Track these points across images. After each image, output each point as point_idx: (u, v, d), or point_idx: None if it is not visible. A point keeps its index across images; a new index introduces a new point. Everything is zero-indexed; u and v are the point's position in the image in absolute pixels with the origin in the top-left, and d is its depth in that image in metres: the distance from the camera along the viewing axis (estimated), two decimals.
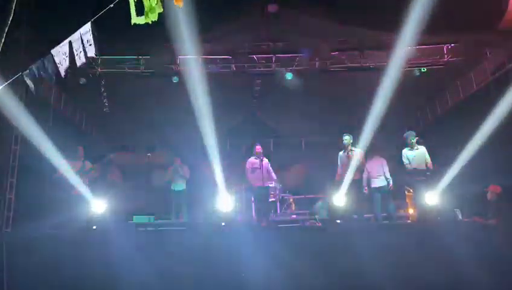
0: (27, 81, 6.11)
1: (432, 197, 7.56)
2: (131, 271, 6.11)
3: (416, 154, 8.22)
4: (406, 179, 8.53)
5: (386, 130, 13.36)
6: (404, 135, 8.62)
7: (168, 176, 10.32)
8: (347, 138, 8.77)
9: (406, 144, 8.47)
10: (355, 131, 12.95)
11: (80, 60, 5.87)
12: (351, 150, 8.56)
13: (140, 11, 3.56)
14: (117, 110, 10.46)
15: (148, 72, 8.12)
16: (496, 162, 7.86)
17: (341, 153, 8.81)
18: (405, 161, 8.33)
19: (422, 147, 8.18)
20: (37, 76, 5.76)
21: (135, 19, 3.67)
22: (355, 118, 12.28)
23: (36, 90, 7.06)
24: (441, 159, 8.17)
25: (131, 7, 3.59)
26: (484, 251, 5.89)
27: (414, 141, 8.32)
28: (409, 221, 8.72)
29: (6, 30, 4.83)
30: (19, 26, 6.16)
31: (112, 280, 6.08)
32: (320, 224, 8.52)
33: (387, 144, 13.54)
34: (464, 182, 8.26)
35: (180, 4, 3.52)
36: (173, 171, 10.18)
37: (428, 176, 7.86)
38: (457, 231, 6.50)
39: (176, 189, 10.05)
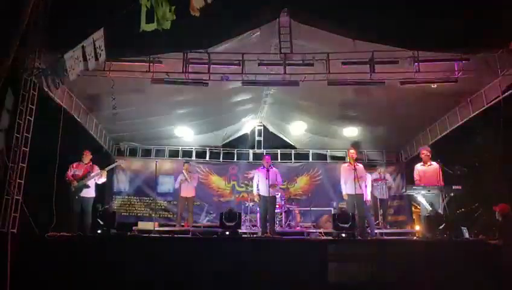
0: (39, 84, 6.22)
1: (439, 214, 7.48)
2: (132, 278, 6.11)
3: (428, 170, 8.19)
4: (413, 195, 8.46)
5: (393, 146, 13.39)
6: (420, 148, 8.64)
7: (177, 183, 10.35)
8: (352, 152, 8.82)
9: (420, 159, 8.49)
10: (362, 145, 13.04)
11: (92, 64, 5.98)
12: (357, 164, 8.57)
13: (151, 18, 3.61)
14: (127, 115, 10.55)
15: (158, 79, 8.17)
16: (506, 180, 7.78)
17: (345, 165, 8.86)
18: (416, 176, 8.33)
19: (436, 163, 8.13)
20: (48, 79, 5.86)
21: (144, 26, 3.72)
22: (363, 132, 12.34)
23: (47, 92, 7.19)
24: (448, 176, 8.10)
25: (142, 14, 3.64)
26: (487, 270, 5.84)
27: (426, 156, 8.31)
28: (415, 238, 8.63)
29: (21, 33, 4.91)
30: (33, 29, 6.26)
31: (113, 286, 6.08)
32: (324, 237, 8.47)
33: (396, 159, 13.57)
34: (472, 199, 8.20)
35: (197, 13, 3.56)
36: (182, 177, 10.21)
37: (435, 193, 7.81)
38: (463, 249, 6.43)
39: (184, 196, 10.06)
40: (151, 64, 7.96)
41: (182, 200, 10.17)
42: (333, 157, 13.90)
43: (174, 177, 12.36)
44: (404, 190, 8.14)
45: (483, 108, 8.62)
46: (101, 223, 7.57)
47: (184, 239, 7.81)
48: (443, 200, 7.62)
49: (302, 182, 13.46)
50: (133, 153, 13.52)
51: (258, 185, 9.02)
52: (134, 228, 9.83)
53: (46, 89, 6.28)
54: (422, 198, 8.00)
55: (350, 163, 8.75)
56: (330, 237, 7.93)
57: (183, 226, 10.01)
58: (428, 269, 6.09)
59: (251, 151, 13.93)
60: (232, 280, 6.11)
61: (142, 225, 10.45)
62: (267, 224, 8.78)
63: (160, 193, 12.75)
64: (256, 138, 13.99)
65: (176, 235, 8.31)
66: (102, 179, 8.59)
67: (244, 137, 14.17)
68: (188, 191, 10.10)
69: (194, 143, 13.64)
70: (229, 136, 13.81)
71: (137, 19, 3.64)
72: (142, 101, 9.97)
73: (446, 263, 6.15)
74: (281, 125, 13.86)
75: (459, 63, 7.86)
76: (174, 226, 10.09)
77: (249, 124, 13.88)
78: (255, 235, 9.38)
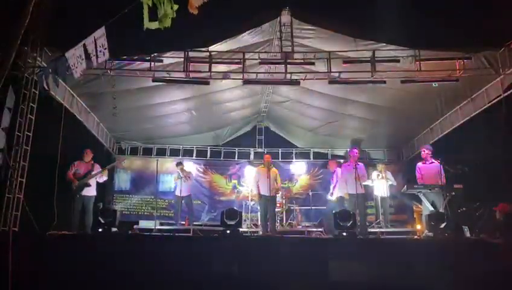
0: (40, 82, 6.20)
1: (440, 213, 7.48)
2: (133, 276, 6.11)
3: (429, 169, 8.21)
4: (414, 194, 8.47)
5: (394, 145, 13.39)
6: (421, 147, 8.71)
7: (174, 181, 10.35)
8: (355, 152, 8.86)
9: (421, 158, 8.58)
10: (363, 143, 13.04)
11: (94, 63, 5.98)
12: (357, 163, 8.59)
13: (152, 17, 3.61)
14: (128, 114, 10.55)
15: (159, 77, 8.17)
16: (507, 180, 7.77)
17: (346, 165, 8.92)
18: (417, 174, 8.37)
19: (437, 161, 8.15)
20: (49, 77, 5.85)
21: (148, 24, 3.72)
22: (364, 131, 12.33)
23: (49, 90, 7.19)
24: (449, 175, 8.10)
25: (144, 14, 3.64)
26: (488, 270, 5.83)
27: (427, 154, 8.36)
28: (416, 237, 8.63)
29: (22, 32, 4.91)
30: (35, 28, 6.26)
31: (114, 285, 6.08)
32: (326, 236, 8.48)
33: (397, 157, 13.57)
34: (473, 199, 8.19)
35: (195, 11, 3.56)
36: (178, 177, 10.20)
37: (436, 191, 7.82)
38: (463, 249, 6.42)
39: (181, 195, 10.05)
40: (152, 63, 7.95)
41: (178, 199, 10.16)
42: (334, 156, 13.88)
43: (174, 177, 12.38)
44: (405, 189, 8.13)
45: (485, 107, 8.60)
46: (102, 221, 7.58)
47: (185, 238, 7.81)
48: (444, 199, 7.62)
49: (303, 181, 13.45)
50: (134, 151, 13.53)
51: (257, 184, 9.01)
52: (135, 226, 9.85)
53: (46, 88, 6.26)
54: (423, 197, 8.01)
55: (351, 162, 8.78)
56: (331, 236, 7.94)
57: (183, 224, 10.01)
58: (429, 268, 6.08)
59: (252, 151, 13.93)
60: (232, 278, 6.11)
61: (143, 224, 10.48)
62: (268, 223, 8.79)
63: (161, 191, 12.76)
64: (257, 137, 13.99)
65: (176, 234, 8.31)
66: (104, 178, 8.61)
67: (245, 136, 14.17)
68: (184, 189, 10.10)
69: (195, 142, 13.64)
70: (230, 135, 13.82)
71: (138, 17, 3.64)
72: (143, 99, 9.98)
73: (447, 262, 6.15)
74: (282, 124, 13.86)
75: (460, 61, 7.83)
76: (175, 224, 10.09)
77: (250, 123, 13.89)
78: (255, 234, 9.40)
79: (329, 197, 10.00)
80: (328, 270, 6.18)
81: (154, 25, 3.62)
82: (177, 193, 10.06)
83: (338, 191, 9.43)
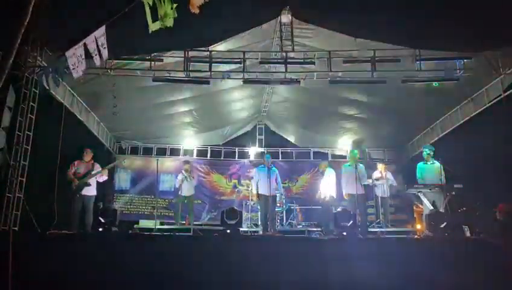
0: (40, 81, 6.21)
1: (440, 213, 7.48)
2: (133, 276, 6.11)
3: (429, 169, 8.20)
4: (415, 194, 8.46)
5: (395, 144, 13.38)
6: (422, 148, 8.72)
7: (178, 181, 10.33)
8: (356, 152, 8.85)
9: (422, 157, 8.57)
10: (363, 143, 13.04)
11: (95, 62, 5.97)
12: (358, 164, 8.59)
13: (154, 17, 3.60)
14: (128, 114, 10.55)
15: (159, 77, 8.17)
16: (507, 180, 7.77)
17: (347, 165, 8.90)
18: (418, 174, 8.36)
19: (437, 162, 8.15)
20: (50, 76, 5.85)
21: (152, 26, 3.70)
22: (364, 131, 12.33)
23: (49, 90, 7.20)
24: (450, 174, 8.10)
25: (147, 15, 3.62)
26: (487, 270, 5.83)
27: (428, 154, 8.35)
28: (416, 237, 8.63)
29: (22, 31, 4.89)
30: (35, 28, 6.26)
31: (114, 284, 6.08)
32: (325, 235, 8.47)
33: (398, 157, 13.56)
34: (473, 198, 8.18)
35: (196, 10, 3.55)
36: (183, 176, 10.18)
37: (437, 191, 7.82)
38: (463, 248, 6.42)
39: (184, 194, 10.03)
40: (152, 62, 7.95)
41: (181, 198, 10.15)
42: (334, 156, 13.88)
43: (175, 176, 12.38)
44: (405, 189, 8.13)
45: (485, 106, 8.61)
46: (103, 221, 7.57)
47: (185, 237, 7.81)
48: (445, 199, 7.62)
49: (303, 180, 13.45)
50: (134, 151, 13.54)
51: (257, 184, 9.00)
52: (135, 226, 9.84)
53: (46, 87, 6.27)
54: (423, 197, 8.00)
55: (353, 165, 8.76)
56: (331, 236, 7.93)
57: (183, 224, 10.01)
58: (429, 267, 6.08)
59: (252, 150, 13.93)
60: (232, 278, 6.11)
61: (143, 223, 10.48)
62: (268, 223, 8.78)
63: (162, 191, 12.76)
64: (258, 137, 13.99)
65: (177, 234, 8.30)
66: (104, 178, 8.59)
67: (245, 136, 14.18)
68: (188, 190, 10.08)
69: (195, 141, 13.64)
70: (230, 134, 13.82)
71: (138, 17, 3.63)
72: (143, 99, 9.98)
73: (446, 262, 6.14)
74: (282, 124, 13.86)
75: (460, 61, 7.83)
76: (175, 224, 10.09)
77: (250, 123, 13.89)
78: (256, 234, 9.39)
79: (320, 198, 9.99)
80: (328, 270, 6.18)
81: (156, 26, 3.61)
82: (182, 193, 10.06)
83: (331, 191, 9.44)
